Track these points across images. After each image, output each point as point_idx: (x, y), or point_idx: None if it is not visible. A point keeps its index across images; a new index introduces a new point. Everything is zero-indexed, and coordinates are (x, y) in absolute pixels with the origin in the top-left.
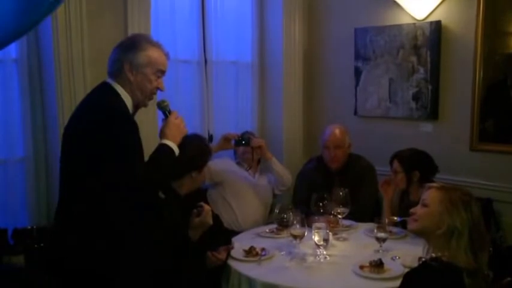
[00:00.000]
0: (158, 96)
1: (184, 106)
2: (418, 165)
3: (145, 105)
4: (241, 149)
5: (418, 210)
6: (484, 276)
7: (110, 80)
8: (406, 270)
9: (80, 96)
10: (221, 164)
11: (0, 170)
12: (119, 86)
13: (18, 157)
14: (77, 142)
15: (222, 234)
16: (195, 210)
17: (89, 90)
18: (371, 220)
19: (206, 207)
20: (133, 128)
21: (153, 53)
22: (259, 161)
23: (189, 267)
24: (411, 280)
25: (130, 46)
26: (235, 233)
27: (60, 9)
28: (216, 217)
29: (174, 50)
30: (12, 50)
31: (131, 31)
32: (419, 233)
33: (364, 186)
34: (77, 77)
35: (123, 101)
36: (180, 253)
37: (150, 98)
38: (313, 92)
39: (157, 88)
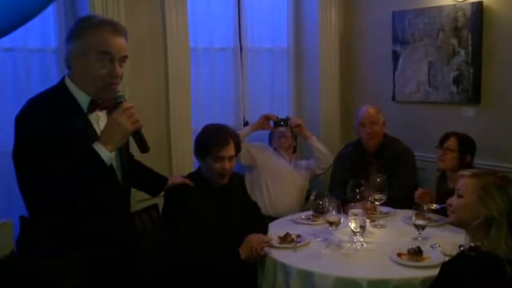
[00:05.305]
0: None
1: (219, 93)
2: (472, 149)
3: (105, 97)
4: (277, 133)
5: (453, 201)
6: None
7: (66, 76)
8: (446, 258)
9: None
10: (260, 146)
11: None
12: (70, 82)
13: None
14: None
15: (259, 221)
16: None
17: (126, 79)
18: (410, 206)
19: None
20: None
21: (90, 36)
22: (294, 150)
23: (225, 255)
24: (448, 271)
25: (70, 36)
26: (271, 218)
27: None
28: (253, 204)
29: (210, 37)
30: (52, 39)
31: (168, 19)
32: (459, 225)
33: (402, 167)
34: None
35: (73, 98)
36: (211, 244)
37: (108, 89)
38: (350, 78)
39: (111, 75)
